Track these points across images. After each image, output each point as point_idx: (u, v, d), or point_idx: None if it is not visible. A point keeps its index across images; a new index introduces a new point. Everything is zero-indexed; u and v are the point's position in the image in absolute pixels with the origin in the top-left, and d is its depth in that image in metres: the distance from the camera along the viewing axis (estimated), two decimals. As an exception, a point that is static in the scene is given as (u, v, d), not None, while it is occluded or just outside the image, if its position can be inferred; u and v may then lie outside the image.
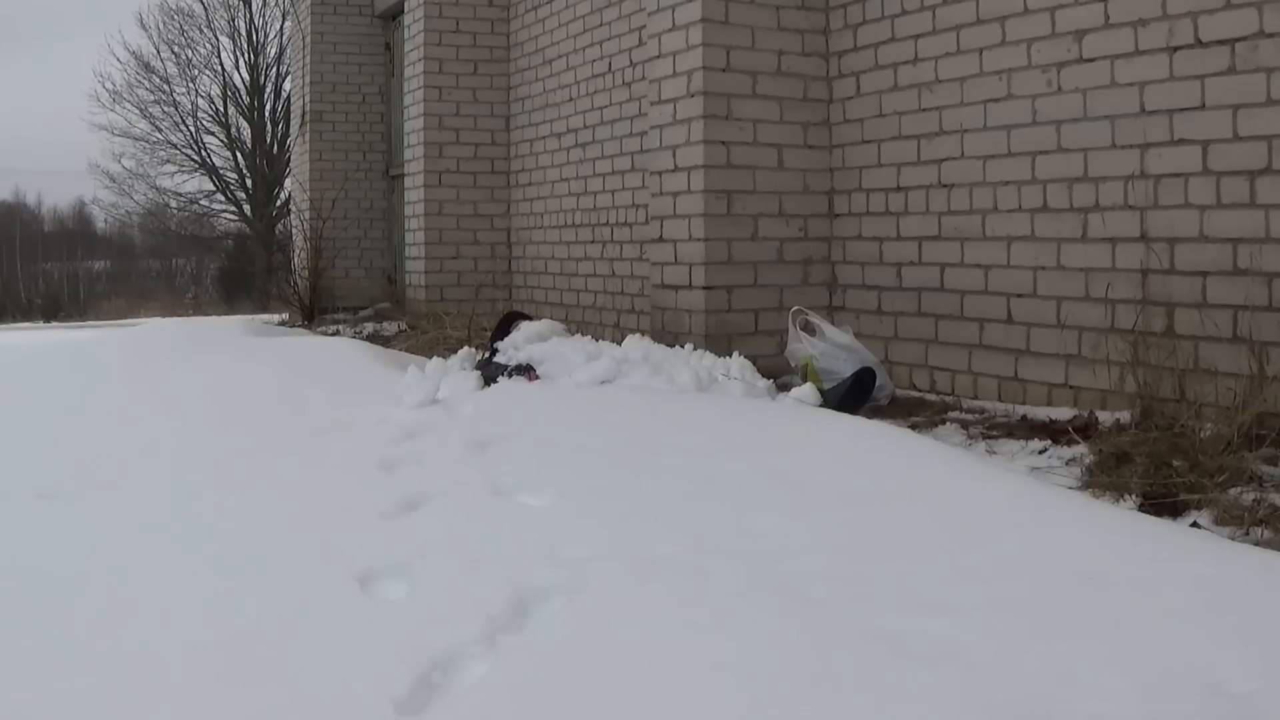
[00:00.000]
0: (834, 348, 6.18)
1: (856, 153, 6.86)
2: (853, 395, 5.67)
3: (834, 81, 7.02)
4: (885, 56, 6.68)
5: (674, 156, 6.92)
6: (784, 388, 5.83)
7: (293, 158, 15.33)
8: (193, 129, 36.04)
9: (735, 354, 5.93)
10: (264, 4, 35.33)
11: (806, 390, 5.36)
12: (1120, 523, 2.98)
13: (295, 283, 13.06)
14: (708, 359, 5.82)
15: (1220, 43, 4.90)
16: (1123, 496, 4.00)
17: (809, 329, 6.33)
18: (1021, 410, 5.61)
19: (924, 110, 6.42)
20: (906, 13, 6.52)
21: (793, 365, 6.26)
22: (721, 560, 2.86)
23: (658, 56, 7.14)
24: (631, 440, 4.13)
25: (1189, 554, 2.66)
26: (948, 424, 5.42)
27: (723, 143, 6.75)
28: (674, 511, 3.31)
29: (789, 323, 6.38)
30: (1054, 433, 4.98)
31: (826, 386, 5.81)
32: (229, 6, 35.61)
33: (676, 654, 2.41)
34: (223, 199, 37.10)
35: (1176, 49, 5.07)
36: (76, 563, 3.54)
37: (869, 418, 4.91)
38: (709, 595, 2.66)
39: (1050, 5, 5.62)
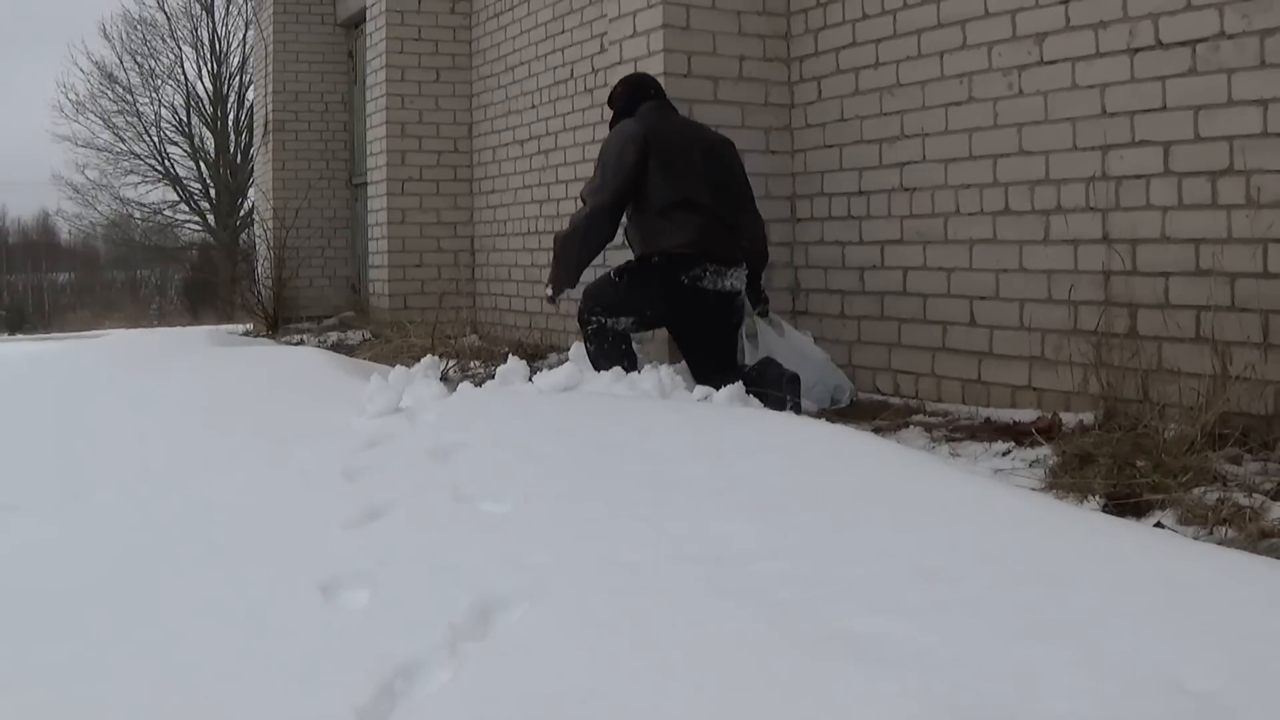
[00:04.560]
0: (791, 349, 6.19)
1: (818, 157, 6.87)
2: (763, 382, 5.74)
3: (795, 86, 7.03)
4: (846, 61, 6.70)
5: (637, 162, 6.90)
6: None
7: (256, 167, 15.30)
8: (156, 139, 35.94)
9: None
10: (227, 13, 35.31)
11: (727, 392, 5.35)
12: (1083, 523, 2.97)
13: (259, 292, 13.02)
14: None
15: (1181, 44, 4.93)
16: (1086, 497, 4.01)
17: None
18: (985, 412, 5.63)
19: (885, 114, 6.43)
20: (868, 17, 6.53)
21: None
22: (684, 565, 2.85)
23: (619, 62, 7.13)
24: (594, 446, 4.12)
25: (1152, 554, 2.65)
26: (911, 427, 5.43)
27: (685, 148, 6.74)
28: (636, 517, 3.29)
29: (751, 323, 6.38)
30: (1017, 434, 5.00)
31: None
32: (192, 16, 35.57)
33: (639, 659, 2.39)
34: (186, 209, 36.99)
35: (1137, 51, 5.09)
36: (31, 573, 3.51)
37: (832, 421, 4.91)
38: (671, 600, 2.65)
39: (1011, 8, 5.64)
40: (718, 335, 6.14)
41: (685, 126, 6.30)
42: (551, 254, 6.36)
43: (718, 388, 5.62)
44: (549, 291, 6.36)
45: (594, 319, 6.06)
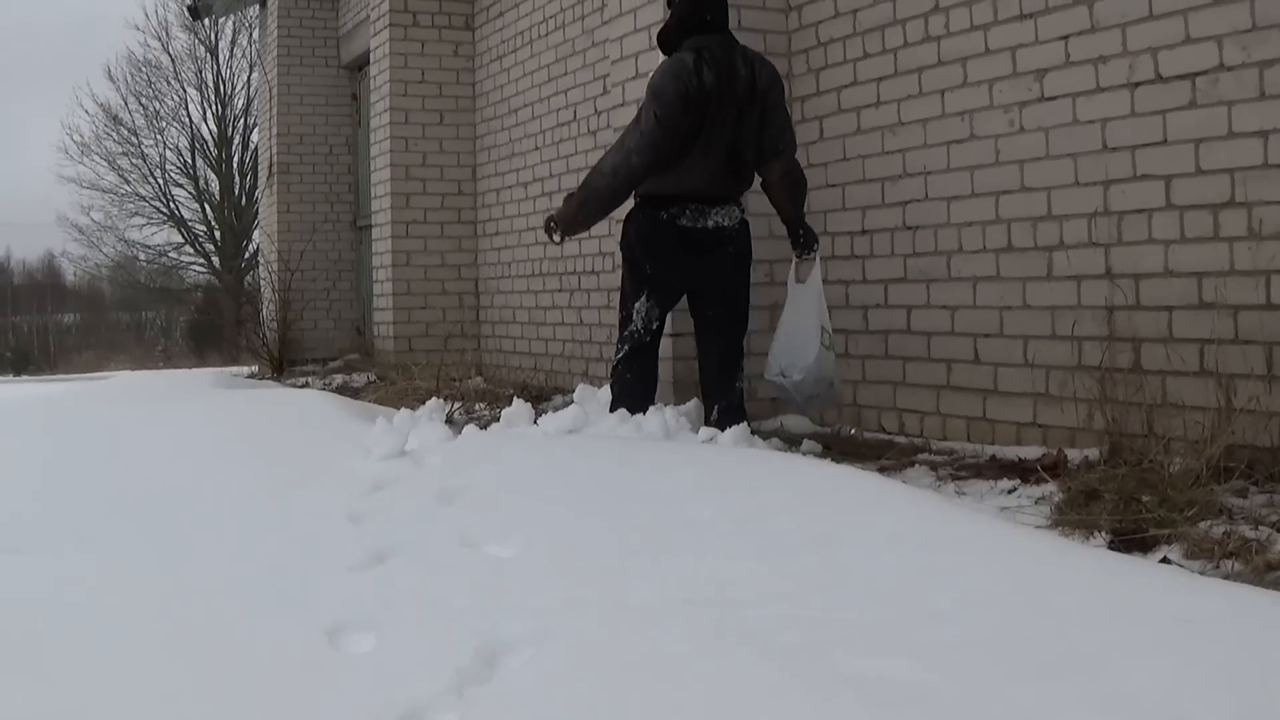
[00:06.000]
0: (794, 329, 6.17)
1: (821, 197, 6.87)
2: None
3: (798, 126, 7.03)
4: (848, 100, 6.71)
5: (639, 203, 6.92)
6: (756, 432, 5.83)
7: (261, 209, 15.36)
8: (161, 181, 36.13)
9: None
10: (231, 56, 35.44)
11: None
12: (1089, 560, 2.97)
13: (264, 335, 13.05)
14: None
15: (1181, 77, 4.94)
16: (1092, 534, 4.00)
17: None
18: (990, 450, 5.62)
19: (887, 153, 6.44)
20: (869, 56, 6.55)
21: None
22: (690, 608, 2.84)
23: (622, 104, 7.16)
24: (599, 488, 4.12)
25: (1159, 589, 2.65)
26: (917, 466, 5.42)
27: (687, 189, 6.74)
28: (642, 559, 3.29)
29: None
30: (1023, 472, 4.99)
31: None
32: (196, 58, 35.73)
33: (644, 704, 2.39)
34: (191, 251, 37.17)
35: (1137, 85, 5.10)
36: (34, 615, 3.50)
37: (837, 460, 4.91)
38: (678, 643, 2.64)
39: (1011, 45, 5.66)
40: (719, 292, 6.10)
41: (735, 76, 5.92)
42: (577, 196, 6.09)
43: (721, 402, 5.66)
44: (556, 236, 6.17)
45: (619, 347, 6.02)
